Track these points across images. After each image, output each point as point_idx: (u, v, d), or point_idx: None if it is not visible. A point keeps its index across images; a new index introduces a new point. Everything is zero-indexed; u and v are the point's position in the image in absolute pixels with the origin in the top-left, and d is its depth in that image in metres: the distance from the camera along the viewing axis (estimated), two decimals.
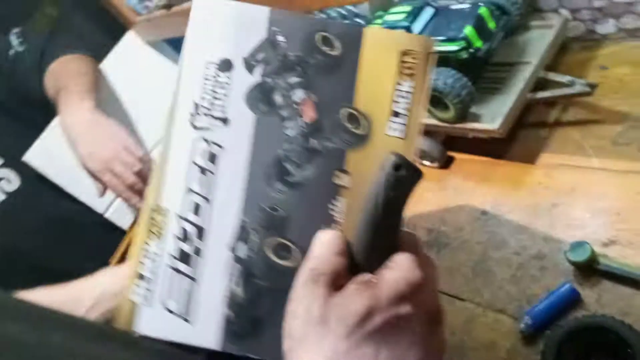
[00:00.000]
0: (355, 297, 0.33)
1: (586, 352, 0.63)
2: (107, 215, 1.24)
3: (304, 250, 0.39)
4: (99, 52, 1.20)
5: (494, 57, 0.93)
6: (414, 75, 0.40)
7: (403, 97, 0.41)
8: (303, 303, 0.34)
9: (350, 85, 0.42)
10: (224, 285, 0.41)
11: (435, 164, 1.01)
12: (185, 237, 0.42)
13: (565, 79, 0.85)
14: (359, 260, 0.35)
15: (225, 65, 0.44)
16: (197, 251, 0.42)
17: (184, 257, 0.42)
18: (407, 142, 0.40)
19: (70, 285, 0.66)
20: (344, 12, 1.15)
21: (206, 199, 0.42)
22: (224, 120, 0.43)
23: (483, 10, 0.87)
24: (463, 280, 0.85)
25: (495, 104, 0.90)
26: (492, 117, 0.88)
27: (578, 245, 0.72)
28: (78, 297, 0.60)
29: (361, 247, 0.35)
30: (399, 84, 0.41)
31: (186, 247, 0.42)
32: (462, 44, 0.86)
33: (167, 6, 1.16)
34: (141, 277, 0.43)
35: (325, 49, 0.43)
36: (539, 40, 0.91)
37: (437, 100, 0.90)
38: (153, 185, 0.44)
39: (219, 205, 0.42)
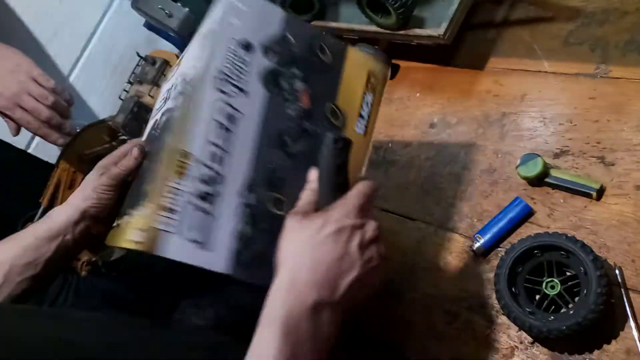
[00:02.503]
0: (315, 217, 0.50)
1: (539, 270, 0.62)
2: (30, 150, 1.14)
3: (293, 204, 0.53)
4: None
5: None
6: (375, 91, 0.57)
7: (367, 105, 0.57)
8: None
9: (335, 87, 0.57)
10: (235, 223, 0.52)
11: None
12: (206, 181, 0.51)
13: None
14: (322, 205, 0.52)
15: (246, 46, 0.54)
16: (217, 193, 0.52)
17: (206, 197, 0.51)
18: (367, 138, 0.59)
19: None
20: None
21: (224, 150, 0.52)
22: (243, 91, 0.54)
23: None
24: (413, 198, 0.82)
25: (440, 4, 0.82)
26: (437, 20, 0.80)
27: (529, 158, 0.69)
28: None
29: (323, 196, 0.52)
30: (365, 94, 0.57)
31: (209, 189, 0.51)
32: None
33: None
34: (164, 208, 0.50)
35: (320, 55, 0.57)
36: None
37: (377, 6, 0.82)
38: (175, 131, 0.52)
39: (235, 159, 0.53)
